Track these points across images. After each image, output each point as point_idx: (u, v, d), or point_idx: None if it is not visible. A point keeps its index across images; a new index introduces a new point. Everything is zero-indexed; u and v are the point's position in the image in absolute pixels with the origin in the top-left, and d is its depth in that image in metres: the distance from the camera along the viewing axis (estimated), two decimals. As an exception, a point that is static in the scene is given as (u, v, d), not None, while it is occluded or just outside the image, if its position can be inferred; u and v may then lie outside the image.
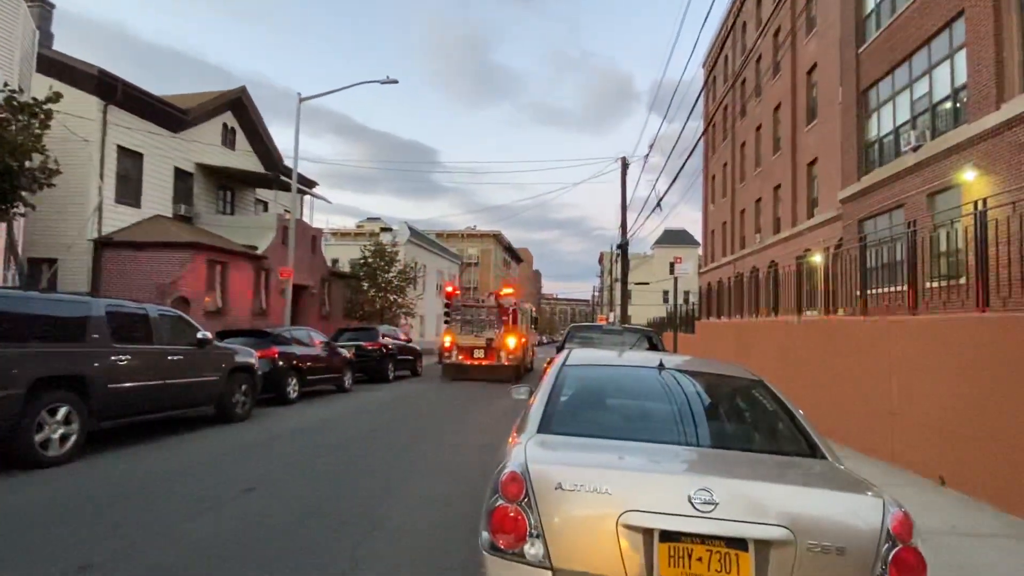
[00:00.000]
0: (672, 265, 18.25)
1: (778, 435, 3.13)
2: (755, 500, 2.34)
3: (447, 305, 19.33)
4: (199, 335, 8.93)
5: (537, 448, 2.70)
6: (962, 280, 6.96)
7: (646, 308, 51.90)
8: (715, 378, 3.68)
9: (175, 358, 8.41)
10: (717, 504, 2.30)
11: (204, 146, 21.26)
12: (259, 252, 20.65)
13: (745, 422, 3.40)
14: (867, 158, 15.65)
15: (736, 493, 2.35)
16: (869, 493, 2.45)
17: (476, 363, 17.87)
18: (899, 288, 8.00)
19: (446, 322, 19.26)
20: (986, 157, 11.03)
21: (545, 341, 65.88)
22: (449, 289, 19.60)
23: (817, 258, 11.65)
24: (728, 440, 3.09)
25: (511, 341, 17.85)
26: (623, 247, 25.19)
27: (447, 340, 18.28)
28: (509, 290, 19.57)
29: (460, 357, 18.01)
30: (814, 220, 20.87)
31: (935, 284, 7.87)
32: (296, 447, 7.83)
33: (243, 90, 23.17)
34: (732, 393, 3.58)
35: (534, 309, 27.32)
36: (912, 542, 2.32)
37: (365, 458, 7.25)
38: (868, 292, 8.85)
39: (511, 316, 18.42)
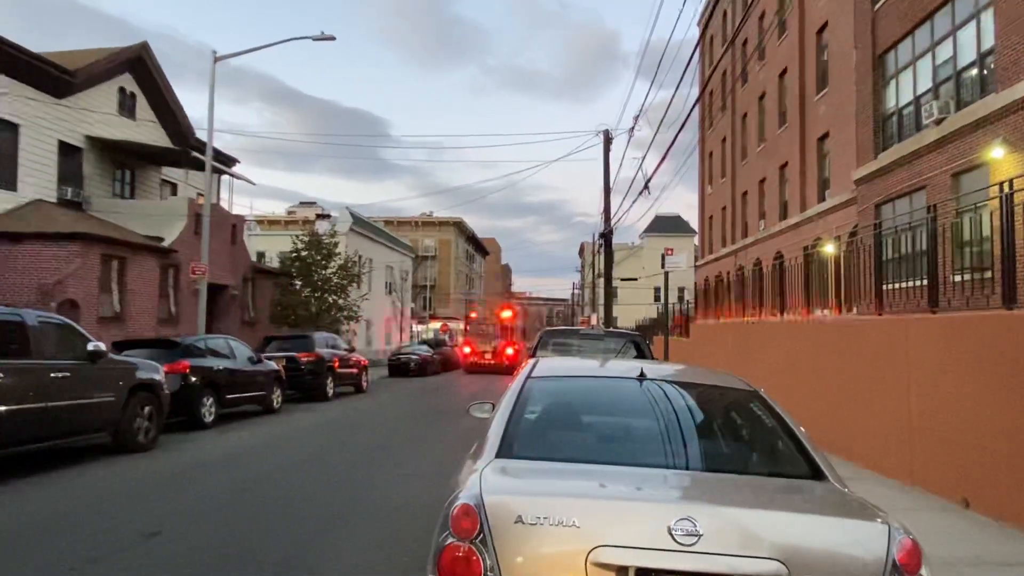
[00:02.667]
0: (663, 257, 18.51)
1: (775, 455, 3.22)
2: (745, 530, 2.40)
3: (467, 322, 40.24)
4: (91, 346, 8.73)
5: (494, 476, 2.72)
6: (988, 274, 7.24)
7: (634, 308, 52.43)
8: (705, 390, 3.76)
9: (60, 375, 8.20)
10: (701, 536, 2.35)
11: (97, 115, 20.69)
12: (166, 244, 20.23)
13: (738, 440, 3.49)
14: (885, 132, 16.12)
15: (723, 523, 2.40)
16: (875, 519, 2.53)
17: (487, 361, 33.31)
18: (920, 282, 8.27)
19: (465, 332, 38.92)
20: (1016, 131, 11.47)
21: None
22: (474, 315, 41.73)
23: (829, 248, 11.96)
24: (717, 461, 3.16)
25: (509, 348, 33.96)
26: (606, 236, 25.43)
27: (467, 349, 35.39)
28: (508, 313, 40.58)
29: (475, 358, 34.03)
30: (825, 204, 21.41)
31: (959, 277, 8.17)
32: (212, 481, 7.73)
33: (144, 47, 22.63)
34: (724, 407, 3.66)
35: (524, 325, 48.71)
36: (920, 573, 2.42)
37: (296, 493, 7.19)
38: (884, 287, 9.13)
39: (510, 329, 37.73)
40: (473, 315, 43.14)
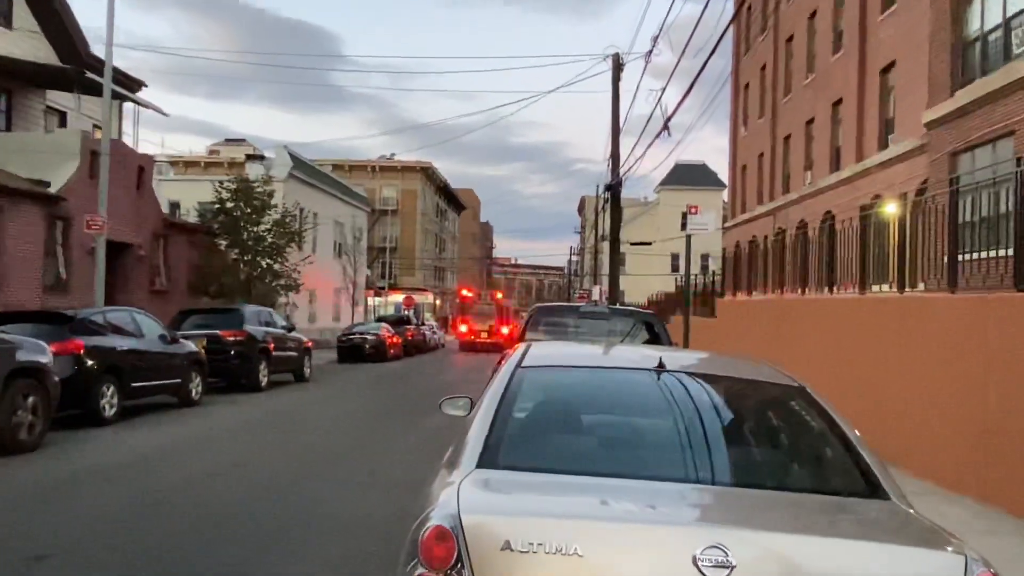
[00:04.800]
0: (685, 217, 18.50)
1: (823, 466, 3.26)
2: (787, 561, 2.42)
3: (462, 303, 56.62)
4: (-43, 320, 8.63)
5: (475, 490, 2.73)
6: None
7: (646, 279, 52.71)
8: (735, 384, 3.79)
9: (-82, 356, 8.11)
10: (733, 567, 2.36)
11: (-39, 22, 20.22)
12: (53, 191, 19.97)
13: (777, 447, 3.52)
14: (965, 64, 16.13)
15: (761, 551, 2.43)
16: (948, 548, 2.57)
17: (483, 340, 43.86)
18: (1004, 252, 8.34)
19: (461, 312, 53.13)
20: None
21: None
22: (468, 294, 58.03)
23: (891, 208, 12.03)
24: (752, 474, 3.19)
25: (504, 327, 43.46)
26: (614, 189, 25.40)
27: (464, 328, 47.94)
28: (500, 295, 58.38)
29: (472, 336, 45.66)
30: (888, 153, 21.48)
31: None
32: (114, 491, 7.72)
33: (23, -66, 22.07)
34: (760, 406, 3.70)
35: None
36: None
37: (221, 507, 7.20)
38: (960, 258, 9.20)
39: (504, 310, 50.77)
40: (468, 294, 56.69)
